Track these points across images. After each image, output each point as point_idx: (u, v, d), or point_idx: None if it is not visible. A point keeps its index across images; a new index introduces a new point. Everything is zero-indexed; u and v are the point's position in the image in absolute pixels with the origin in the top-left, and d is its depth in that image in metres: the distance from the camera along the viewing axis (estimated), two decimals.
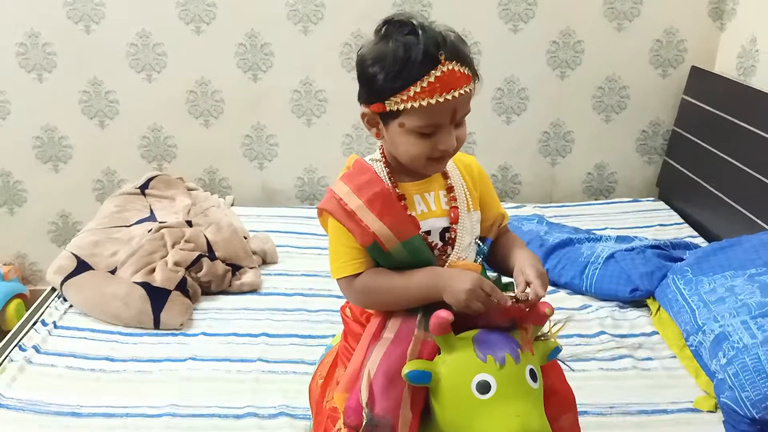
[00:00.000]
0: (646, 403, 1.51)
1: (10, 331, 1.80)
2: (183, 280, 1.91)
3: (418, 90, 1.02)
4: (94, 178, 2.65)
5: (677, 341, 1.69)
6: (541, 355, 1.08)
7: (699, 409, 1.50)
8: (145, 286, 1.87)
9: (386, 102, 1.05)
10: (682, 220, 2.41)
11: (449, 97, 1.02)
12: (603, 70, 2.56)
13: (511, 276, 1.16)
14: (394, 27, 1.06)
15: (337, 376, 1.21)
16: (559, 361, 1.21)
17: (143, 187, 2.45)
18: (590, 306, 1.90)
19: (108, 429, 1.46)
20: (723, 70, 2.46)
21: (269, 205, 2.62)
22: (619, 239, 2.11)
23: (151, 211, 2.36)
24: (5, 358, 1.67)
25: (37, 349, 1.72)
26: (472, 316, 1.06)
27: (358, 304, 1.15)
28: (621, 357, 1.67)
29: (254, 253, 2.15)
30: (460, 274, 1.04)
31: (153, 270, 1.95)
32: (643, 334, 1.76)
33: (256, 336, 1.79)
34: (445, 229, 1.15)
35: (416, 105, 1.02)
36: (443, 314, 1.00)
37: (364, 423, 1.02)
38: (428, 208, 1.15)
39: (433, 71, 1.01)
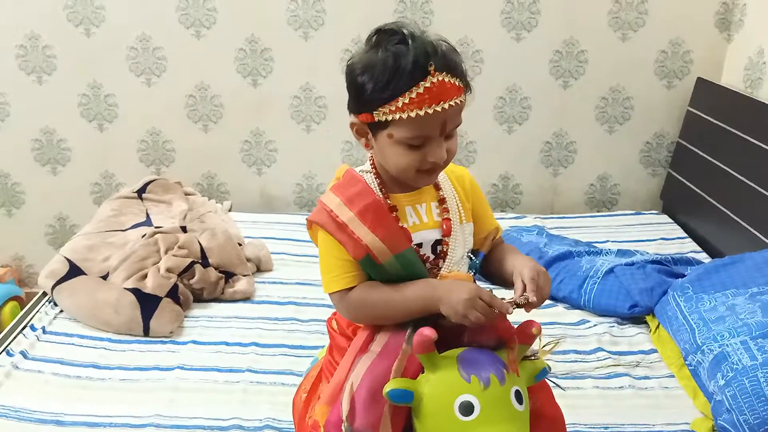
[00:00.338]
0: (642, 424, 1.47)
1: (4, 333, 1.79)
2: (174, 287, 1.89)
3: (406, 101, 0.99)
4: (92, 182, 2.63)
5: (676, 360, 1.65)
6: (528, 375, 1.05)
7: (696, 431, 1.45)
8: (136, 292, 1.84)
9: (374, 112, 1.02)
10: (685, 235, 2.37)
11: (438, 108, 0.99)
12: (607, 81, 2.52)
13: (508, 286, 1.13)
14: (385, 36, 1.04)
15: (320, 390, 1.18)
16: (548, 381, 1.17)
17: (140, 191, 2.43)
18: (588, 321, 1.86)
19: None
20: (729, 82, 2.42)
21: (267, 212, 2.60)
22: (620, 253, 2.07)
23: (148, 216, 2.34)
24: None
25: (24, 354, 1.70)
26: (458, 333, 1.03)
27: (352, 319, 1.12)
28: (617, 375, 1.63)
29: (249, 260, 2.13)
30: (456, 285, 1.01)
31: (145, 276, 1.92)
32: (642, 352, 1.72)
33: (245, 345, 1.76)
34: (437, 242, 1.12)
35: (404, 116, 1.00)
36: (426, 332, 0.97)
37: None
38: (420, 220, 1.12)
39: (422, 82, 0.99)
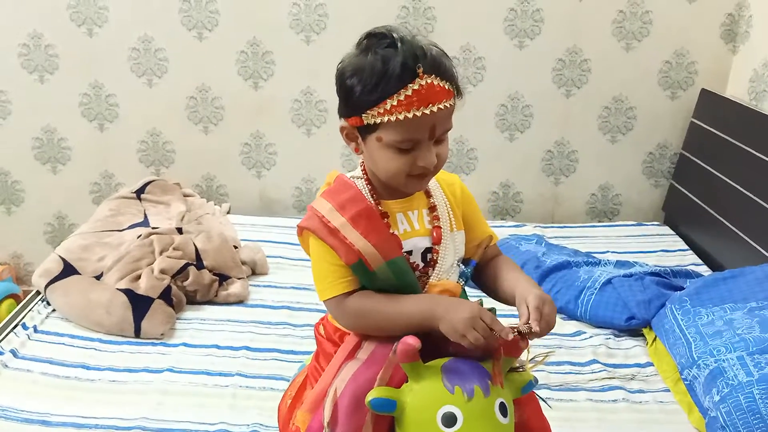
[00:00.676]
0: None
1: None
2: (168, 289, 1.88)
3: (394, 103, 0.98)
4: (91, 181, 2.63)
5: (672, 374, 1.62)
6: (514, 388, 1.03)
7: None
8: (129, 293, 1.83)
9: (363, 115, 1.01)
10: (686, 247, 2.34)
11: (427, 111, 0.98)
12: (610, 90, 2.50)
13: (504, 302, 1.11)
14: (375, 40, 1.03)
15: (305, 396, 1.16)
16: (537, 396, 1.15)
17: (139, 192, 2.43)
18: (584, 333, 1.84)
19: None
20: (734, 94, 2.39)
21: (266, 215, 2.59)
22: (619, 264, 2.05)
23: (145, 216, 2.34)
24: None
25: (14, 353, 1.69)
26: (443, 343, 1.01)
27: (348, 327, 1.10)
28: (612, 388, 1.60)
29: (244, 263, 2.12)
30: (459, 304, 0.99)
31: (139, 277, 1.91)
32: (637, 365, 1.70)
33: (237, 349, 1.74)
34: (427, 250, 1.10)
35: (393, 119, 0.98)
36: (410, 340, 0.96)
37: None
38: (411, 227, 1.11)
39: (410, 84, 0.98)
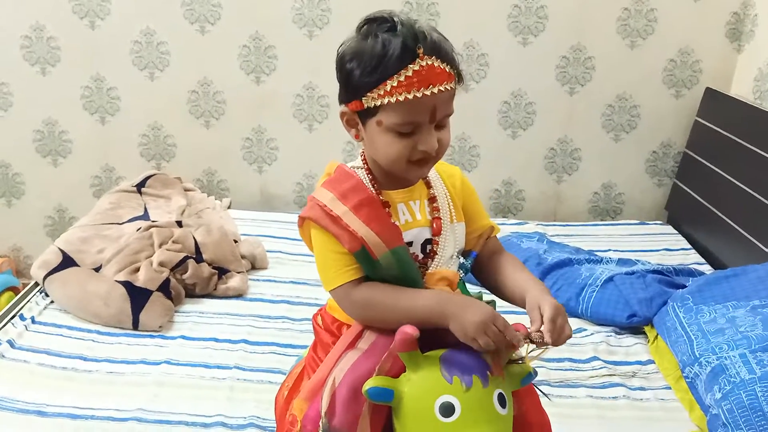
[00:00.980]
0: None
1: None
2: (166, 281, 1.87)
3: (394, 84, 0.97)
4: (92, 174, 2.62)
5: (673, 372, 1.61)
6: (513, 379, 1.01)
7: None
8: (127, 285, 1.82)
9: (363, 98, 0.99)
10: (689, 246, 2.32)
11: (428, 92, 0.97)
12: (614, 88, 2.49)
13: (507, 299, 1.10)
14: (374, 24, 1.02)
15: (302, 386, 1.15)
16: (536, 388, 1.14)
17: (140, 185, 2.42)
18: (585, 330, 1.82)
19: (71, 430, 1.41)
20: (739, 93, 2.38)
21: (267, 210, 2.58)
22: (621, 262, 2.03)
23: (146, 210, 2.33)
24: None
25: (11, 343, 1.68)
26: (442, 333, 1.00)
27: (356, 317, 1.07)
28: (612, 385, 1.59)
29: (244, 257, 2.10)
30: (472, 305, 0.97)
31: (137, 269, 1.90)
32: (638, 363, 1.68)
33: (235, 342, 1.73)
34: (427, 241, 1.09)
35: (393, 100, 0.97)
36: (408, 329, 0.94)
37: None
38: (413, 218, 1.09)
39: (410, 65, 0.96)
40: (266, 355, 1.70)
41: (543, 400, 1.14)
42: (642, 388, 1.59)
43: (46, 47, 2.46)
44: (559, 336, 0.96)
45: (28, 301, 1.88)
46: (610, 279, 1.88)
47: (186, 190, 2.52)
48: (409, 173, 1.06)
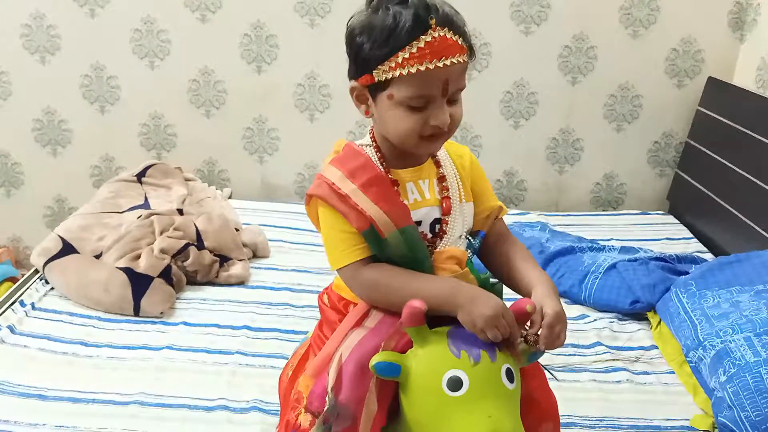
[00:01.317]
0: (639, 419, 1.42)
1: None
2: (167, 268, 1.86)
3: (406, 56, 0.95)
4: (92, 164, 2.61)
5: (677, 357, 1.60)
6: (520, 356, 1.00)
7: (695, 428, 1.40)
8: (128, 271, 1.81)
9: (374, 72, 0.98)
10: (691, 235, 2.32)
11: (440, 64, 0.95)
12: (616, 78, 2.48)
13: (512, 287, 1.09)
14: None
15: (308, 365, 1.14)
16: (543, 368, 1.13)
17: (140, 175, 2.41)
18: (588, 316, 1.82)
19: (72, 414, 1.40)
20: (741, 83, 2.37)
21: (268, 201, 2.56)
22: (623, 250, 2.03)
23: (146, 199, 2.31)
24: None
25: (11, 329, 1.67)
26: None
27: (361, 297, 1.06)
28: (615, 369, 1.58)
29: (245, 245, 2.09)
30: (481, 296, 0.96)
31: (138, 256, 1.89)
32: (641, 348, 1.68)
33: (237, 328, 1.72)
34: (436, 220, 1.08)
35: (405, 72, 0.96)
36: (417, 303, 0.93)
37: (325, 408, 0.95)
38: (422, 197, 1.08)
39: (422, 36, 0.95)
40: (269, 340, 1.69)
41: (550, 380, 1.13)
42: (645, 373, 1.58)
43: (46, 36, 2.44)
44: (553, 343, 0.97)
45: (28, 287, 1.87)
46: (613, 266, 1.88)
47: (186, 180, 2.51)
48: (420, 149, 1.05)
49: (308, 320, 1.77)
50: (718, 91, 2.37)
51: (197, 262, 1.93)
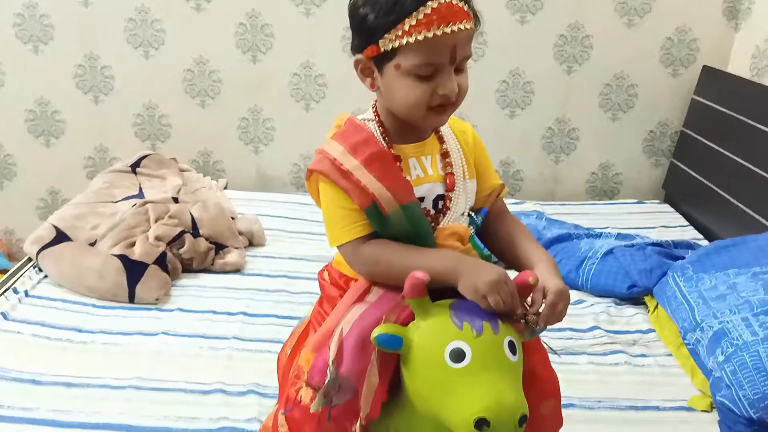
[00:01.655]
0: (637, 399, 1.42)
1: None
2: (163, 255, 1.84)
3: (413, 23, 0.93)
4: (85, 155, 2.59)
5: (674, 340, 1.60)
6: (523, 330, 0.99)
7: (693, 408, 1.40)
8: (123, 258, 1.80)
9: (380, 41, 0.97)
10: (686, 223, 2.33)
11: (447, 30, 0.94)
12: (611, 67, 2.49)
13: (512, 266, 1.08)
14: None
15: (308, 340, 1.13)
16: (544, 345, 1.12)
17: (134, 166, 2.39)
18: (585, 301, 1.82)
19: (66, 398, 1.39)
20: (736, 71, 2.38)
21: (263, 191, 2.55)
22: (620, 237, 2.03)
23: (140, 189, 2.30)
24: None
25: (4, 315, 1.65)
26: (446, 289, 0.98)
27: (363, 274, 1.05)
28: (613, 352, 1.58)
29: (241, 233, 2.08)
30: (485, 266, 0.95)
31: (133, 244, 1.88)
32: (639, 332, 1.68)
33: (233, 314, 1.72)
34: (440, 197, 1.07)
35: (412, 40, 0.94)
36: (419, 275, 0.92)
37: (326, 381, 0.94)
38: (425, 173, 1.06)
39: (429, 2, 0.93)
40: (265, 326, 1.68)
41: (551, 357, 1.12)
42: (643, 355, 1.58)
43: (39, 25, 2.42)
44: (555, 320, 0.96)
45: (21, 275, 1.85)
46: (610, 251, 1.88)
47: (181, 170, 2.49)
48: (427, 120, 1.03)
49: (305, 306, 1.75)
50: (712, 80, 2.37)
51: (193, 250, 1.92)
